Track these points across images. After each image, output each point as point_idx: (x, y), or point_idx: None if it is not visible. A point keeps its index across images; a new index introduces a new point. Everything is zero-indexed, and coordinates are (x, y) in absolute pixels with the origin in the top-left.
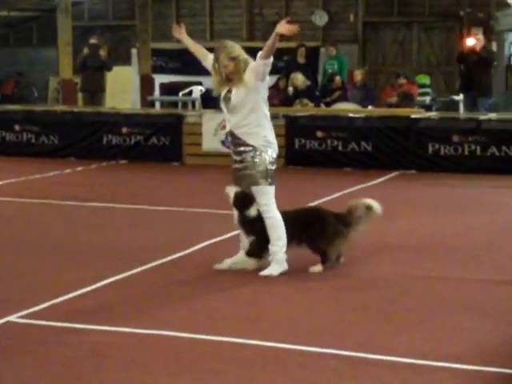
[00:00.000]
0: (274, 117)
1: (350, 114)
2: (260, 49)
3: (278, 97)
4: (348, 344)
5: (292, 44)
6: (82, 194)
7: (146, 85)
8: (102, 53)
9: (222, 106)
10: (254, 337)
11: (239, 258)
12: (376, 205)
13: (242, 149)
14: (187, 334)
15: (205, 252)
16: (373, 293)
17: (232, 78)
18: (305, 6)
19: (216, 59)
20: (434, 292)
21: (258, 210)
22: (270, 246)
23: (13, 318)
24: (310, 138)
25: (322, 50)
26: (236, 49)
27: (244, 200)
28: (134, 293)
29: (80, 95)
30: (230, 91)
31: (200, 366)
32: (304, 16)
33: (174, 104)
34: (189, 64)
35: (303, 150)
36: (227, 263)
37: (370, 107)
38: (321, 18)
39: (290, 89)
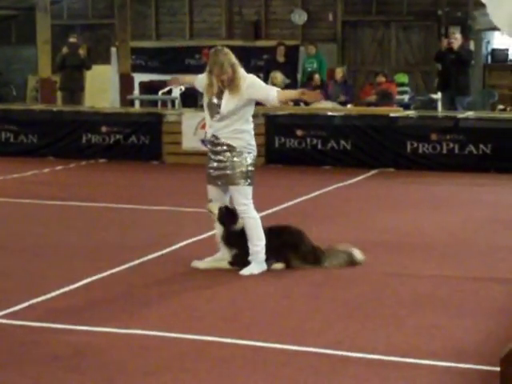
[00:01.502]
0: (253, 116)
1: (329, 113)
2: (239, 48)
3: None
4: (327, 342)
5: (271, 43)
6: (61, 194)
7: (126, 84)
8: (82, 51)
9: (208, 111)
10: (233, 335)
11: (218, 262)
12: (358, 255)
13: (223, 148)
14: (166, 333)
15: (185, 251)
16: (352, 290)
17: (226, 84)
18: (284, 5)
19: (215, 64)
20: (413, 289)
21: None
22: (251, 246)
23: None
24: (290, 136)
25: (302, 48)
26: (233, 55)
27: (230, 214)
28: (113, 292)
29: (59, 94)
30: (218, 97)
31: (179, 365)
32: (283, 15)
33: (154, 103)
34: (168, 63)
35: (283, 149)
36: (205, 263)
37: (349, 106)
38: (300, 17)
39: None
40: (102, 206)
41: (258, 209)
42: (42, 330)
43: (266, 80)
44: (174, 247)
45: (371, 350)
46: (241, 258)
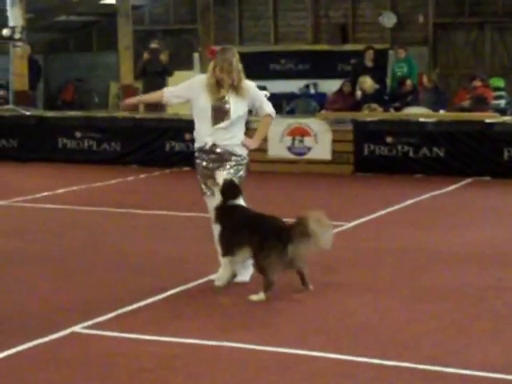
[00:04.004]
0: (341, 122)
1: (421, 119)
2: (325, 52)
3: (344, 101)
4: (420, 357)
5: (359, 47)
6: (145, 202)
7: None
8: (163, 57)
9: (209, 115)
10: (321, 349)
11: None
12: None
13: (223, 157)
14: (253, 346)
15: None
16: (445, 303)
17: (235, 83)
18: (372, 8)
19: (225, 61)
20: (508, 302)
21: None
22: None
23: (77, 328)
24: (380, 143)
25: (391, 52)
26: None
27: (230, 189)
28: (198, 303)
29: None
30: (221, 101)
31: (265, 379)
32: (371, 17)
33: None
34: (252, 68)
35: (372, 156)
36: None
37: (441, 111)
38: (389, 20)
39: (359, 93)
40: (186, 215)
41: (347, 219)
42: (127, 341)
43: (352, 86)
44: None
45: (466, 365)
46: (226, 235)
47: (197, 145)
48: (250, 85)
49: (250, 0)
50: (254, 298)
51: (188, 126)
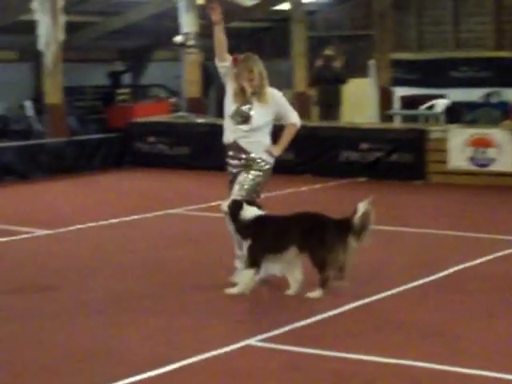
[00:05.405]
0: None
1: None
2: (508, 59)
3: None
4: None
5: None
6: None
7: (385, 98)
8: (338, 64)
9: (233, 118)
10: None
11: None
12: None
13: (243, 156)
14: (436, 366)
15: (452, 278)
16: None
17: (256, 90)
18: None
19: (245, 68)
20: None
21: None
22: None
23: (252, 341)
24: None
25: None
26: (262, 64)
27: (235, 207)
28: (375, 319)
29: (315, 109)
30: (246, 106)
31: None
32: None
33: (414, 118)
34: (431, 76)
35: None
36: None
37: None
38: None
39: None
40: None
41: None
42: (303, 355)
43: None
44: (440, 274)
45: None
46: (255, 250)
47: (224, 140)
48: (274, 92)
49: (430, 4)
50: (311, 295)
51: (363, 135)
